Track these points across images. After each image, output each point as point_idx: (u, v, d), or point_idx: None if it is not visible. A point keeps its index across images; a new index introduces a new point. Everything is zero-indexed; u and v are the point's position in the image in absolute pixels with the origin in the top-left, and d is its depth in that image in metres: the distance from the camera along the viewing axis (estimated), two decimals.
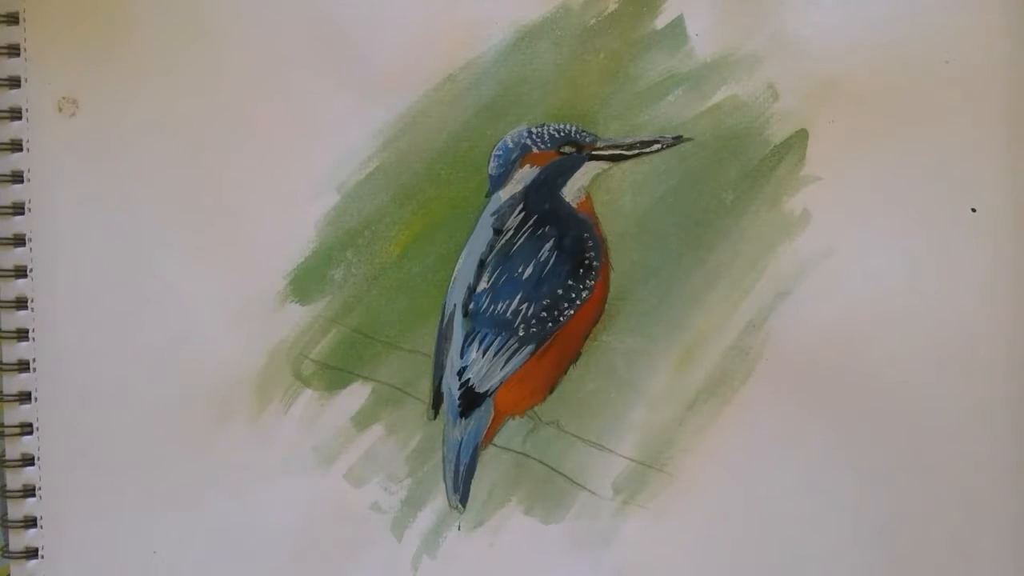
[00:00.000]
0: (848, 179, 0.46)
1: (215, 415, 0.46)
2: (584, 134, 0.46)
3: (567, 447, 0.46)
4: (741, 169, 0.46)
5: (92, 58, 0.46)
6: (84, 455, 0.46)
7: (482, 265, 0.46)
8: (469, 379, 0.46)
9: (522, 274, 0.46)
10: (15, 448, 0.46)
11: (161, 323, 0.46)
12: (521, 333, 0.46)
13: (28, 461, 0.46)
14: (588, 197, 0.46)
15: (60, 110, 0.46)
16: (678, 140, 0.45)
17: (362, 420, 0.46)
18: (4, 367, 0.46)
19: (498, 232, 0.46)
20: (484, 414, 0.46)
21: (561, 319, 0.46)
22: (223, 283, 0.46)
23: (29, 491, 0.46)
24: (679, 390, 0.46)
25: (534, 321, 0.46)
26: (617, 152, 0.46)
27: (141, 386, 0.46)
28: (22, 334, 0.46)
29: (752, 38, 0.46)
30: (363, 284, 0.46)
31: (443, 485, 0.47)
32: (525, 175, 0.46)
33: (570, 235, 0.46)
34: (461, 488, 0.46)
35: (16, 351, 0.46)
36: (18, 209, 0.46)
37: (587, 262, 0.46)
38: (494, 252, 0.46)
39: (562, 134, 0.46)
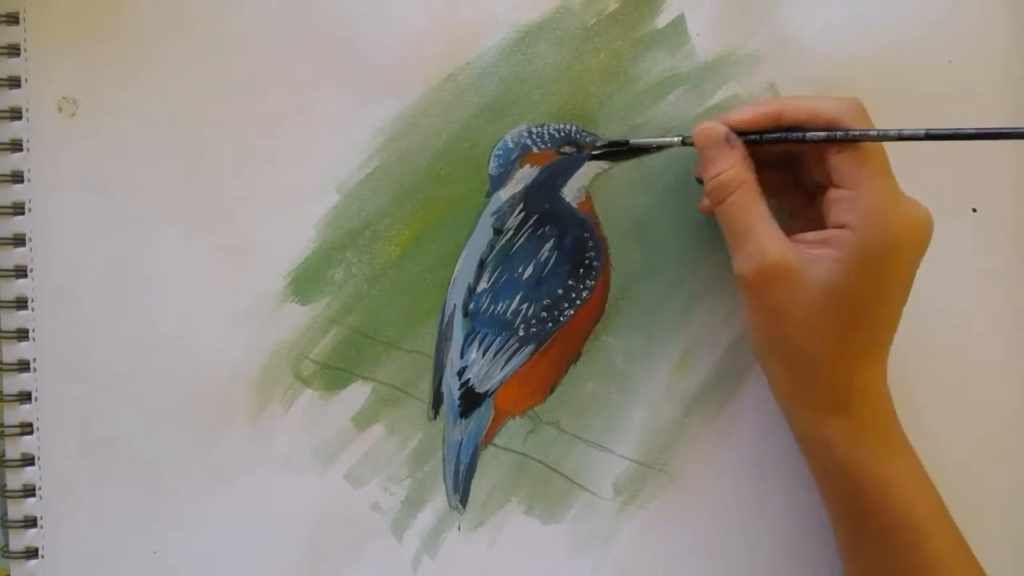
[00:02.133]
0: None
1: (215, 415, 0.46)
2: (584, 134, 0.46)
3: (567, 447, 0.46)
4: None
5: (92, 58, 0.46)
6: (84, 455, 0.46)
7: (482, 265, 0.46)
8: (469, 379, 0.46)
9: (522, 274, 0.46)
10: (15, 448, 0.46)
11: (161, 323, 0.46)
12: (521, 333, 0.46)
13: (28, 461, 0.46)
14: (588, 197, 0.46)
15: (60, 110, 0.46)
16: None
17: (362, 420, 0.46)
18: (4, 367, 0.46)
19: (498, 232, 0.46)
20: (484, 414, 0.46)
21: (561, 319, 0.46)
22: (223, 283, 0.46)
23: (29, 491, 0.46)
24: (679, 390, 0.46)
25: (534, 321, 0.46)
26: (617, 152, 0.46)
27: (141, 386, 0.46)
28: (22, 334, 0.46)
29: (753, 38, 0.46)
30: (363, 284, 0.46)
31: (443, 485, 0.47)
32: (525, 175, 0.46)
33: (570, 235, 0.46)
34: (461, 488, 0.46)
35: (16, 351, 0.46)
36: (18, 209, 0.46)
37: (587, 262, 0.46)
38: (494, 252, 0.46)
39: (562, 134, 0.46)
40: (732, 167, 0.41)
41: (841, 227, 0.39)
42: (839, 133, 0.39)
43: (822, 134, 0.40)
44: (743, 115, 0.42)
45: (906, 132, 0.39)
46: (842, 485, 0.40)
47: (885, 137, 0.39)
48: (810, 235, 0.40)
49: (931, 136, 0.39)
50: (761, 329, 0.41)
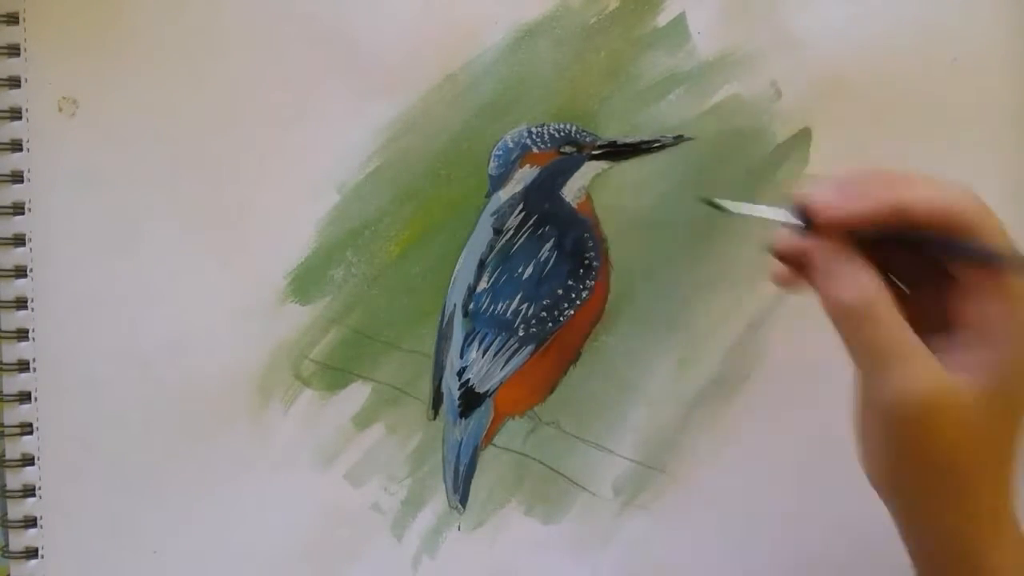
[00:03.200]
0: None
1: (215, 415, 0.46)
2: (584, 134, 0.46)
3: (567, 448, 0.46)
4: (743, 168, 0.46)
5: (92, 58, 0.46)
6: (84, 455, 0.46)
7: (482, 265, 0.46)
8: (469, 379, 0.46)
9: (522, 274, 0.46)
10: (15, 448, 0.46)
11: (161, 323, 0.46)
12: (521, 333, 0.46)
13: (28, 461, 0.46)
14: (588, 197, 0.46)
15: (60, 110, 0.46)
16: (679, 140, 0.45)
17: (362, 420, 0.46)
18: (4, 367, 0.46)
19: (498, 232, 0.46)
20: (484, 414, 0.46)
21: (561, 319, 0.46)
22: (223, 283, 0.46)
23: (29, 491, 0.46)
24: (679, 390, 0.46)
25: (534, 321, 0.46)
26: (617, 152, 0.46)
27: (141, 386, 0.46)
28: (22, 334, 0.46)
29: (755, 36, 0.46)
30: (363, 284, 0.46)
31: (443, 485, 0.47)
32: (525, 175, 0.46)
33: (570, 235, 0.46)
34: (461, 488, 0.46)
35: (16, 351, 0.46)
36: (18, 209, 0.46)
37: (587, 262, 0.46)
38: (494, 252, 0.46)
39: (562, 134, 0.46)
40: (863, 288, 0.32)
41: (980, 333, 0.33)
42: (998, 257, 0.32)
43: (980, 250, 0.32)
44: (857, 209, 0.32)
45: None
46: None
47: None
48: (951, 348, 0.33)
49: None
50: (902, 464, 0.34)
